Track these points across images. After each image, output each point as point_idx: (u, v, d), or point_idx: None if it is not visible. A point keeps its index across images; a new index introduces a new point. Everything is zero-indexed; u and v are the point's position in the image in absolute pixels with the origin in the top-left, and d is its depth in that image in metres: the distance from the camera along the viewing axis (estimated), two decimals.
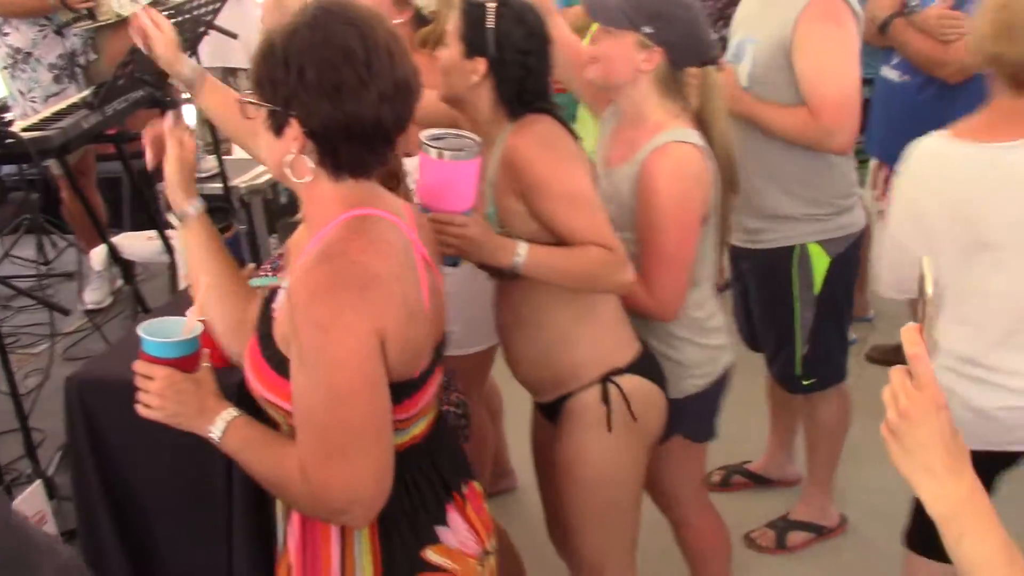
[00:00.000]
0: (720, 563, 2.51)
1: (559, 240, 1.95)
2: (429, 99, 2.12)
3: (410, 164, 2.07)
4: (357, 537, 1.54)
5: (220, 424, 1.50)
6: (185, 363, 1.53)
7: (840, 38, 2.45)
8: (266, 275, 2.14)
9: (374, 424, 1.42)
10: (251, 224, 4.35)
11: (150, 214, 3.68)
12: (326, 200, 1.48)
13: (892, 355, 3.83)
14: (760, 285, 2.77)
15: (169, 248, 3.48)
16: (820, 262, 2.54)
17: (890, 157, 3.41)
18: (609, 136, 2.27)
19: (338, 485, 1.41)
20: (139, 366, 1.53)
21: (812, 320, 2.68)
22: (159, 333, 1.54)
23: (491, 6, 1.94)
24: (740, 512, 2.94)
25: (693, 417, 2.27)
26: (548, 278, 1.96)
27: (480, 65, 1.95)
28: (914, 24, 3.14)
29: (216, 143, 3.78)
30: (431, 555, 1.56)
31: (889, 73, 3.31)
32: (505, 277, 2.00)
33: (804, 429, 3.03)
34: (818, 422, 2.93)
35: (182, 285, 3.34)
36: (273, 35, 1.44)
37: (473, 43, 1.95)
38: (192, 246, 1.70)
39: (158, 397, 1.51)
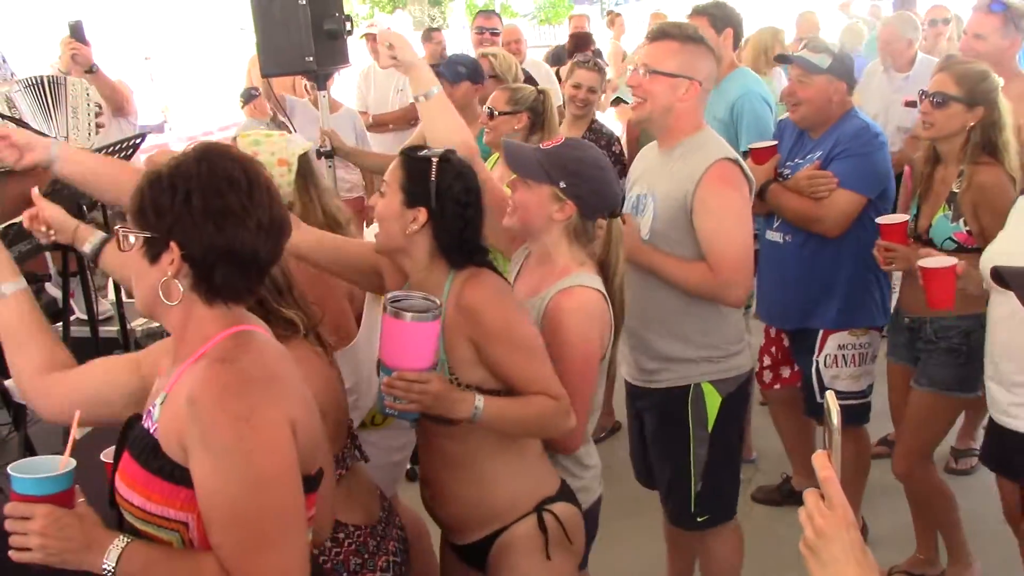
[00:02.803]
0: None
1: (506, 387, 2.06)
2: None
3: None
4: None
5: (113, 553, 1.46)
6: (63, 498, 1.48)
7: (736, 201, 2.67)
8: None
9: (296, 509, 1.47)
10: None
11: None
12: (202, 322, 1.55)
13: (776, 495, 3.94)
14: (657, 423, 2.87)
15: None
16: (713, 400, 2.66)
17: (782, 319, 3.61)
18: (519, 271, 2.44)
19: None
20: (12, 507, 1.46)
21: (706, 457, 2.78)
22: (29, 472, 1.48)
23: (434, 160, 2.08)
24: None
25: None
26: (501, 428, 2.07)
27: (420, 215, 2.07)
28: (788, 187, 3.39)
29: (118, 287, 3.75)
30: None
31: (773, 236, 3.50)
32: (441, 423, 2.04)
33: (701, 568, 3.08)
34: (714, 559, 2.98)
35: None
36: (159, 167, 1.54)
37: (414, 194, 2.07)
38: (10, 323, 1.79)
39: (39, 536, 1.44)
